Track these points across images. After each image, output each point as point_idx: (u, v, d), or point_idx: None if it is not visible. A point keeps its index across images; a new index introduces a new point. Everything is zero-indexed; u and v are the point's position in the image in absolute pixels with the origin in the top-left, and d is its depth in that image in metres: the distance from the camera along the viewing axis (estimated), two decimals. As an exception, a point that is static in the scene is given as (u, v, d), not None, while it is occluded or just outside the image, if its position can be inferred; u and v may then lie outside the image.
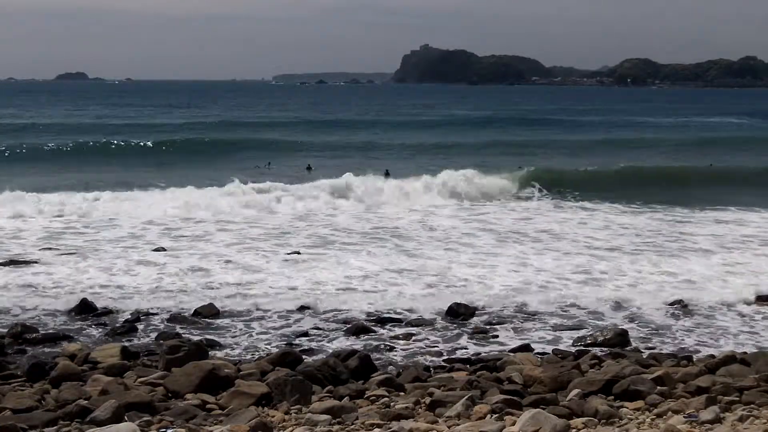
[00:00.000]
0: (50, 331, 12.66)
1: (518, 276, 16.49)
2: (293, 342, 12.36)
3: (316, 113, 79.86)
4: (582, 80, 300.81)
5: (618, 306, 14.49)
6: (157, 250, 18.52)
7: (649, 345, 12.47)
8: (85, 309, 13.63)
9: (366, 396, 9.31)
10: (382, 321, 13.43)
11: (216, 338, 12.45)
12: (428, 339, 12.68)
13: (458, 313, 13.74)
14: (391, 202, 26.73)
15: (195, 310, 13.71)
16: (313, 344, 12.33)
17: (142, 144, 43.18)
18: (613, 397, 9.16)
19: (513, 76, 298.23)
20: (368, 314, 13.78)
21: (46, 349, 11.74)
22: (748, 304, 14.64)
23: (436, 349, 12.20)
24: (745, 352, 11.34)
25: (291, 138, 49.63)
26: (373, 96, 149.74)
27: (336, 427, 8.08)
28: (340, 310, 13.98)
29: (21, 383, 9.86)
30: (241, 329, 13.02)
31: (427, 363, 11.40)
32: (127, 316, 13.49)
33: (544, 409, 8.21)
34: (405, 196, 27.52)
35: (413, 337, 12.70)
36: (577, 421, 8.04)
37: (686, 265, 17.62)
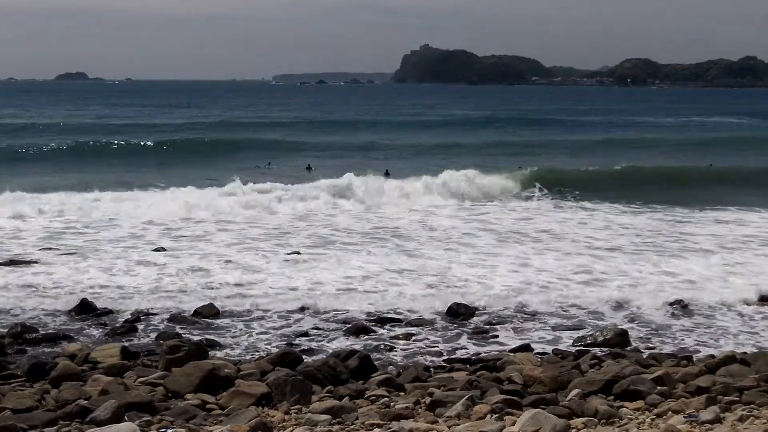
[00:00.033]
0: (50, 331, 12.66)
1: (518, 276, 16.48)
2: (293, 342, 12.35)
3: (316, 113, 79.81)
4: (582, 80, 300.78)
5: (618, 306, 14.49)
6: (157, 250, 18.53)
7: (649, 345, 12.47)
8: (85, 309, 13.63)
9: (366, 396, 9.30)
10: (382, 321, 13.42)
11: (216, 338, 12.45)
12: (428, 339, 12.68)
13: (458, 313, 13.74)
14: (391, 202, 26.73)
15: (195, 310, 13.71)
16: (313, 344, 12.33)
17: (142, 144, 43.16)
18: (613, 397, 9.16)
19: (513, 76, 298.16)
20: (368, 314, 13.77)
21: (46, 349, 11.75)
22: (751, 304, 14.62)
23: (436, 349, 12.20)
24: (745, 352, 11.34)
25: (291, 138, 49.55)
26: (373, 96, 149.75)
27: (336, 427, 8.07)
28: (340, 310, 13.98)
29: (21, 383, 9.86)
30: (241, 329, 13.02)
31: (427, 363, 11.39)
32: (127, 316, 13.49)
33: (544, 409, 8.21)
34: (405, 196, 27.51)
35: (413, 337, 12.69)
36: (577, 421, 8.04)
37: (686, 265, 17.62)
